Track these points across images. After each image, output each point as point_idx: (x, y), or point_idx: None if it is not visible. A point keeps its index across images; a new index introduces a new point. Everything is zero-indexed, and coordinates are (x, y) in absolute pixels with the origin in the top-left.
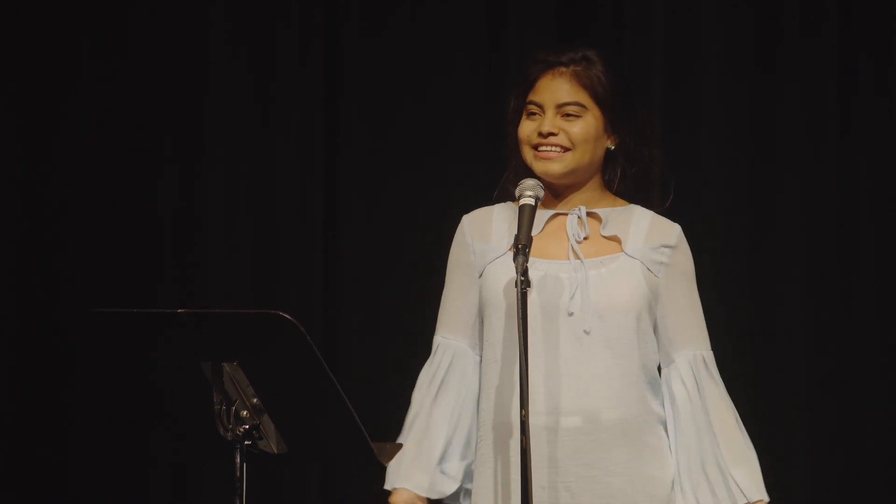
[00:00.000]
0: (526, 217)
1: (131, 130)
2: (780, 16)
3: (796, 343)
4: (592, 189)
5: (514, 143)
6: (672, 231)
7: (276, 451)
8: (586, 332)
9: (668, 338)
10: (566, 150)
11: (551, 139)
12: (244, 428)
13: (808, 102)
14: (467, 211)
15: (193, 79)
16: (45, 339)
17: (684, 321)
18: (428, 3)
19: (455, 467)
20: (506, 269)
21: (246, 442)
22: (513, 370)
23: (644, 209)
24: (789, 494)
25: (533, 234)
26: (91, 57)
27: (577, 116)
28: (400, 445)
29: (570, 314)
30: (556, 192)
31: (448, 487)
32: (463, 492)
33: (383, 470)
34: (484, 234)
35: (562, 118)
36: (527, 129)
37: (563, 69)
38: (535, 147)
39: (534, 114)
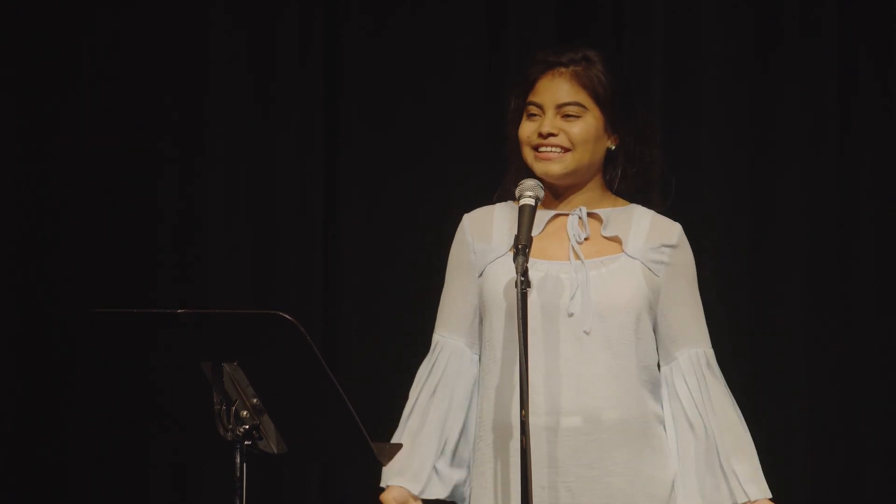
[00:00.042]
0: (526, 217)
1: (131, 130)
2: (780, 16)
3: (796, 343)
4: (593, 189)
5: (515, 144)
6: (673, 230)
7: (276, 451)
8: (586, 333)
9: (670, 336)
10: (566, 150)
11: (551, 140)
12: (244, 428)
13: (808, 102)
14: (467, 211)
15: (193, 79)
16: (46, 340)
17: (686, 320)
18: (428, 3)
19: (449, 466)
20: (506, 270)
21: (246, 442)
22: (513, 370)
23: (645, 209)
24: (789, 494)
25: (533, 234)
26: (91, 57)
27: (577, 117)
28: (400, 446)
29: (571, 315)
30: (556, 193)
31: (441, 487)
32: (459, 490)
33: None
34: (485, 233)
35: (562, 119)
36: (527, 129)
37: (563, 69)
38: (536, 148)
39: (534, 114)
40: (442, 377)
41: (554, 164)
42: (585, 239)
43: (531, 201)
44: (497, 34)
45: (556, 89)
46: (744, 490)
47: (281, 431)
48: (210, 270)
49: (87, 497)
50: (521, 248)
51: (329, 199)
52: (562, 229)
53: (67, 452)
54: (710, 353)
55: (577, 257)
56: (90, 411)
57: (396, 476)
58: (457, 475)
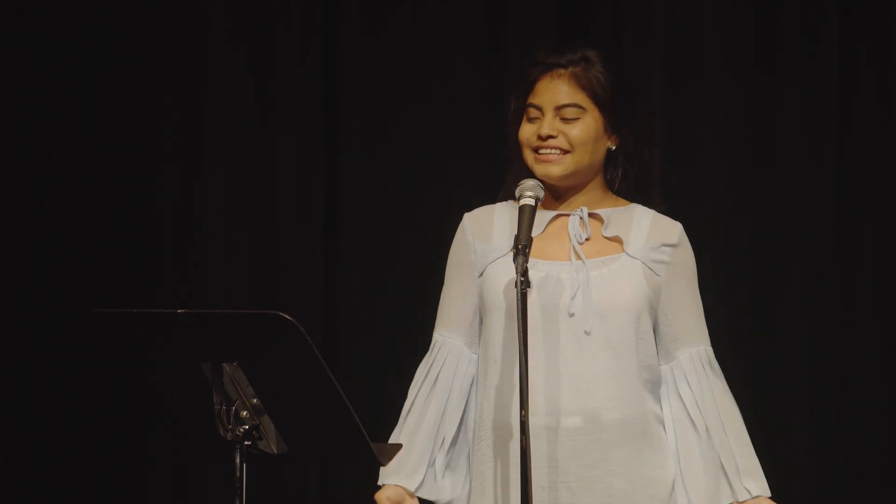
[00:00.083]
0: (526, 217)
1: (131, 130)
2: (780, 16)
3: (796, 343)
4: (594, 190)
5: (516, 145)
6: (674, 230)
7: (276, 451)
8: (587, 333)
9: (671, 336)
10: (566, 152)
11: (550, 142)
12: (244, 428)
13: (808, 102)
14: (467, 211)
15: (193, 79)
16: (46, 340)
17: (686, 319)
18: (428, 3)
19: (446, 465)
20: (507, 270)
21: (246, 442)
22: (513, 371)
23: (645, 208)
24: (789, 495)
25: (534, 234)
26: (91, 57)
27: (577, 118)
28: (399, 446)
29: (572, 315)
30: (557, 194)
31: (437, 486)
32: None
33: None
34: (485, 233)
35: (561, 120)
36: (527, 131)
37: (562, 71)
38: (536, 150)
39: (534, 116)
40: (440, 376)
41: (553, 167)
42: (587, 239)
43: (531, 201)
44: (497, 34)
45: (555, 91)
46: (745, 487)
47: (281, 431)
48: (210, 270)
49: (87, 497)
50: (521, 248)
51: (329, 199)
52: (563, 230)
53: (67, 452)
54: (710, 351)
55: (578, 257)
56: (90, 411)
57: (392, 474)
58: (452, 474)
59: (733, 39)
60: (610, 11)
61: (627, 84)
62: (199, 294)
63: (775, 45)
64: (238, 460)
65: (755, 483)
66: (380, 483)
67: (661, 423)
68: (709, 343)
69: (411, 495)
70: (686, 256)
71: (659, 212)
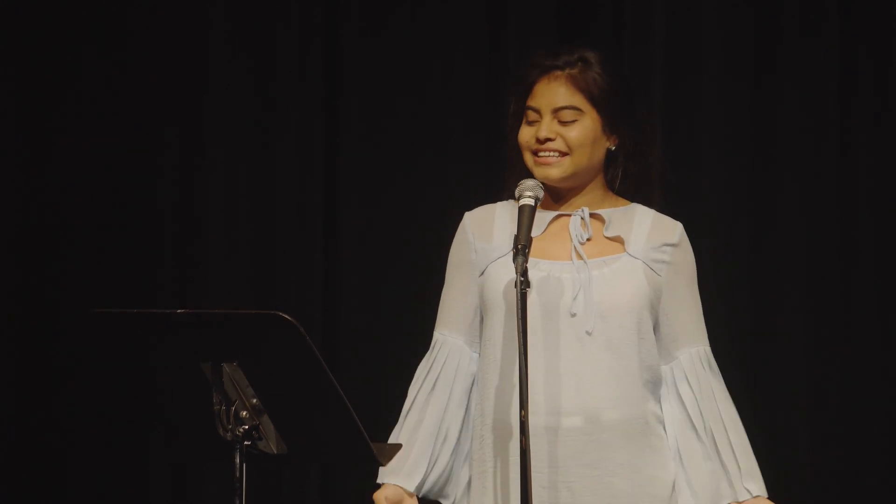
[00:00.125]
0: (525, 218)
1: (131, 130)
2: (780, 16)
3: (796, 343)
4: (595, 190)
5: (515, 146)
6: (674, 229)
7: (275, 452)
8: (588, 333)
9: (671, 336)
10: (564, 154)
11: (549, 144)
12: (244, 428)
13: (808, 102)
14: (467, 210)
15: (193, 79)
16: (46, 340)
17: (686, 319)
18: (428, 3)
19: (450, 468)
20: (507, 269)
21: (246, 442)
22: (513, 370)
23: (646, 208)
24: (790, 495)
25: (536, 234)
26: (91, 56)
27: (574, 120)
28: (399, 446)
29: (573, 315)
30: (558, 194)
31: (437, 486)
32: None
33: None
34: (486, 232)
35: (559, 123)
36: (525, 134)
37: (559, 73)
38: (535, 153)
39: (532, 119)
40: (441, 375)
41: (553, 169)
42: (588, 239)
43: (531, 201)
44: (497, 34)
45: (552, 93)
46: (745, 487)
47: (281, 431)
48: (210, 270)
49: (87, 497)
50: (521, 248)
51: (329, 199)
52: (564, 230)
53: (67, 452)
54: (709, 350)
55: (580, 257)
56: (90, 411)
57: (391, 474)
58: (453, 474)
59: (733, 39)
60: (610, 11)
61: (626, 84)
62: (199, 294)
63: (775, 45)
64: (238, 460)
65: (754, 483)
66: (379, 482)
67: (661, 423)
68: (707, 343)
69: (410, 495)
70: (686, 256)
71: (659, 211)
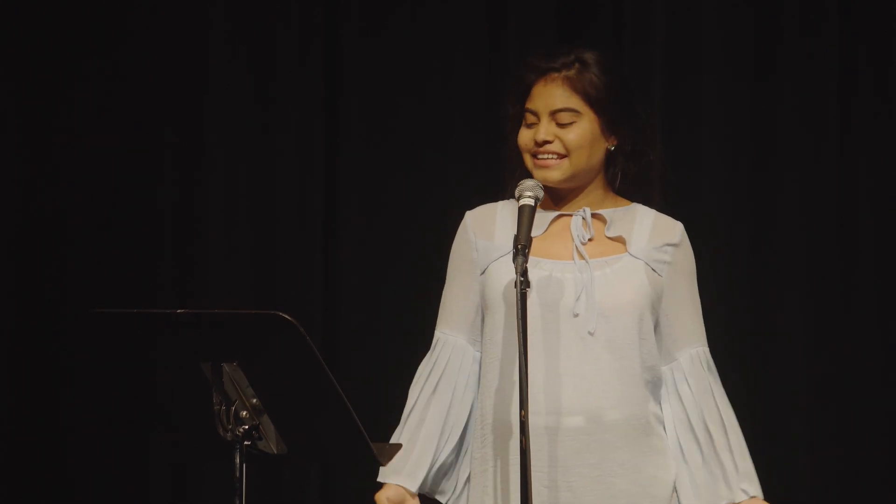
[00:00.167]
0: (525, 218)
1: (131, 130)
2: (780, 16)
3: (796, 343)
4: (595, 190)
5: (515, 147)
6: (675, 229)
7: (275, 452)
8: (590, 334)
9: (671, 336)
10: (562, 156)
11: (547, 147)
12: (244, 428)
13: (808, 102)
14: (467, 210)
15: (193, 79)
16: (46, 340)
17: (686, 319)
18: (428, 3)
19: (449, 465)
20: (509, 269)
21: (246, 442)
22: (513, 370)
23: (647, 208)
24: (790, 495)
25: (537, 234)
26: (91, 57)
27: (572, 122)
28: (399, 446)
29: (576, 315)
30: (559, 195)
31: (439, 486)
32: (458, 489)
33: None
34: (487, 231)
35: (557, 125)
36: (524, 137)
37: (556, 75)
38: (534, 155)
39: (531, 121)
40: (443, 374)
41: (552, 172)
42: (589, 239)
43: (530, 202)
44: (497, 34)
45: (549, 96)
46: (742, 489)
47: (281, 431)
48: (210, 270)
49: (87, 497)
50: (521, 248)
51: (329, 199)
52: (565, 229)
53: (67, 452)
54: (708, 351)
55: (582, 257)
56: (90, 411)
57: (393, 474)
58: (454, 473)
59: (733, 39)
60: (610, 11)
61: (625, 84)
62: (199, 294)
63: (775, 45)
64: (238, 460)
65: (751, 484)
66: (380, 481)
67: (662, 423)
68: (706, 344)
69: (413, 495)
70: (687, 256)
71: (659, 211)
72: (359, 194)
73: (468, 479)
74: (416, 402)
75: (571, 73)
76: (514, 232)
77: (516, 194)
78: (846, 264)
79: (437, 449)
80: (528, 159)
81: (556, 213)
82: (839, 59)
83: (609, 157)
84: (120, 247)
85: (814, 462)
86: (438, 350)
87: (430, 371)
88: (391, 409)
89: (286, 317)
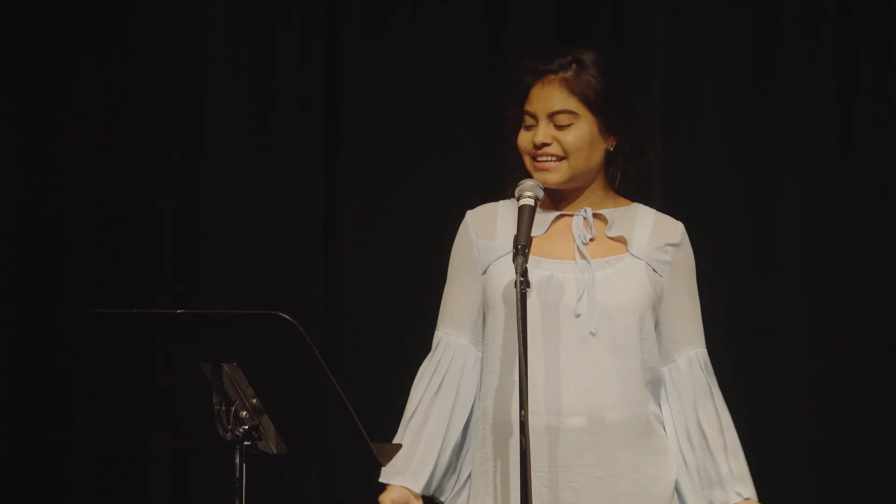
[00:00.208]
0: (525, 218)
1: (131, 130)
2: (780, 16)
3: (796, 343)
4: (596, 191)
5: (516, 148)
6: (676, 229)
7: (275, 452)
8: (592, 334)
9: (671, 337)
10: (561, 158)
11: (545, 149)
12: (244, 428)
13: (808, 102)
14: (467, 210)
15: (193, 79)
16: (46, 340)
17: (685, 321)
18: (428, 3)
19: (452, 466)
20: (510, 269)
21: (246, 442)
22: (513, 370)
23: (647, 208)
24: (790, 495)
25: (539, 234)
26: (91, 57)
27: (570, 124)
28: (399, 446)
29: (578, 315)
30: (561, 195)
31: (443, 486)
32: (460, 489)
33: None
34: (488, 230)
35: (555, 127)
36: (523, 139)
37: (553, 77)
38: (534, 157)
39: (529, 124)
40: (446, 375)
41: (551, 174)
42: (591, 239)
43: (530, 202)
44: (497, 34)
45: (547, 98)
46: (736, 491)
47: (281, 431)
48: (210, 270)
49: (87, 497)
50: (521, 248)
51: (329, 199)
52: (567, 229)
53: (67, 452)
54: (706, 353)
55: (583, 257)
56: (90, 411)
57: (397, 475)
58: (458, 474)
59: (733, 39)
60: (610, 11)
61: (622, 84)
62: (199, 294)
63: (775, 45)
64: (238, 460)
65: (745, 487)
66: (383, 481)
67: (662, 423)
68: (705, 345)
69: (417, 496)
70: (687, 256)
71: (659, 211)
72: (359, 194)
73: (468, 477)
74: (418, 404)
75: (568, 74)
76: (515, 232)
77: (516, 194)
78: (846, 264)
79: (440, 450)
80: (527, 161)
81: (558, 213)
82: (839, 59)
83: (609, 158)
84: (120, 247)
85: (814, 462)
86: (441, 351)
87: (433, 372)
88: (391, 409)
89: (286, 317)
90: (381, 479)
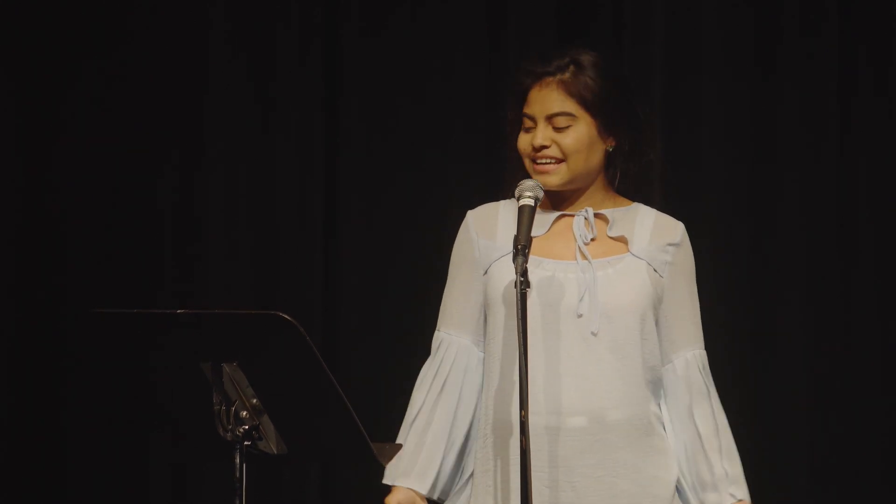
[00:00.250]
0: (525, 218)
1: (131, 130)
2: (780, 16)
3: (796, 343)
4: (597, 191)
5: (515, 149)
6: (676, 229)
7: (275, 452)
8: (594, 334)
9: (669, 338)
10: (560, 161)
11: (544, 152)
12: (244, 428)
13: (808, 102)
14: (467, 210)
15: (193, 79)
16: (46, 340)
17: (684, 322)
18: (428, 3)
19: (456, 467)
20: (510, 269)
21: (246, 442)
22: (513, 370)
23: (648, 208)
24: (790, 495)
25: (540, 234)
26: (91, 57)
27: (568, 126)
28: (400, 446)
29: (580, 316)
30: (562, 195)
31: (448, 488)
32: (462, 488)
33: (383, 469)
34: (489, 230)
35: (553, 129)
36: (523, 142)
37: (550, 79)
38: (533, 160)
39: (529, 126)
40: (449, 376)
41: (550, 177)
42: (592, 239)
43: (530, 202)
44: (497, 34)
45: (544, 100)
46: (729, 493)
47: (281, 431)
48: (210, 270)
49: (87, 497)
50: (521, 248)
51: (329, 199)
52: (568, 229)
53: (67, 452)
54: (705, 354)
55: (585, 257)
56: (90, 411)
57: (402, 476)
58: (463, 475)
59: (733, 39)
60: (610, 11)
61: (621, 84)
62: (199, 294)
63: (775, 44)
64: (238, 460)
65: (739, 489)
66: (388, 483)
67: (662, 423)
68: (703, 346)
69: (422, 498)
70: (687, 256)
71: (660, 211)
72: (359, 194)
73: (470, 476)
74: (421, 405)
75: (566, 76)
76: (515, 232)
77: (516, 194)
78: (846, 264)
79: (445, 451)
80: (527, 163)
81: (559, 213)
82: (839, 59)
83: (608, 158)
84: (120, 247)
85: (814, 462)
86: (443, 351)
87: (436, 373)
88: (391, 409)
89: (286, 317)
90: (386, 481)
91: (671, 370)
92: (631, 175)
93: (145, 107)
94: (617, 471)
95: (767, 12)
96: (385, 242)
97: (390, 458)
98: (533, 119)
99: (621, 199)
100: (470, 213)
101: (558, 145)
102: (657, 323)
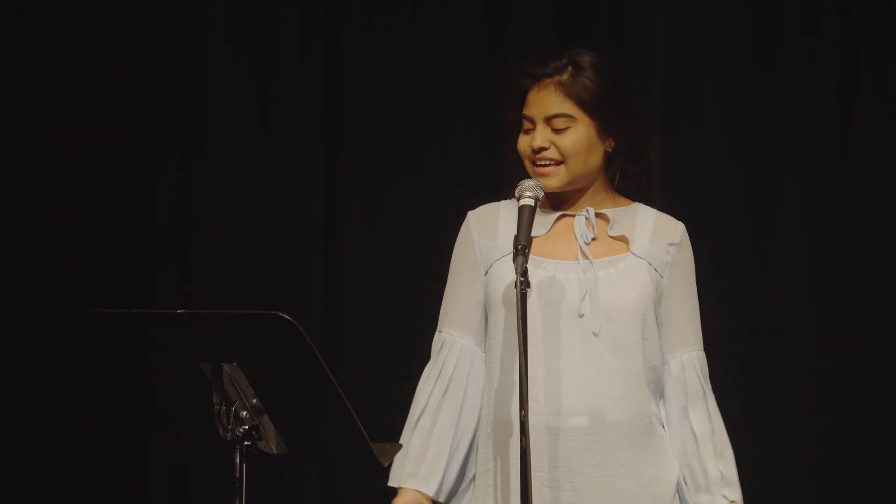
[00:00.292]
0: (525, 218)
1: (131, 130)
2: (780, 16)
3: (796, 343)
4: (597, 192)
5: (515, 151)
6: (677, 229)
7: (275, 452)
8: (595, 334)
9: (668, 339)
10: (559, 162)
11: (543, 154)
12: (244, 428)
13: (808, 102)
14: (468, 210)
15: (193, 79)
16: (45, 340)
17: (682, 323)
18: (428, 2)
19: (461, 469)
20: (511, 269)
21: (246, 442)
22: (514, 370)
23: (648, 208)
24: (790, 495)
25: (541, 234)
26: (91, 57)
27: (567, 127)
28: (400, 446)
29: (581, 316)
30: (562, 196)
31: (454, 488)
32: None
33: (383, 470)
34: (490, 230)
35: (552, 131)
36: (522, 143)
37: (548, 81)
38: (533, 162)
39: (528, 128)
40: (453, 377)
41: (550, 179)
42: (593, 239)
43: (530, 202)
44: (497, 34)
45: (543, 102)
46: (722, 494)
47: (281, 431)
48: (210, 270)
49: (87, 497)
50: (521, 248)
51: (329, 199)
52: (569, 229)
53: (67, 452)
54: (703, 356)
55: (586, 257)
56: (90, 411)
57: (409, 478)
58: (467, 475)
59: (733, 39)
60: (610, 11)
61: (620, 85)
62: (199, 294)
63: (775, 44)
64: (238, 460)
65: (733, 491)
66: (394, 485)
67: (662, 423)
68: (702, 347)
69: (428, 500)
70: (687, 256)
71: (660, 211)
72: (359, 194)
73: (473, 476)
74: (425, 406)
75: (564, 77)
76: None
77: (516, 194)
78: (846, 264)
79: (450, 453)
80: (528, 165)
81: (560, 213)
82: (839, 59)
83: (608, 159)
84: (120, 247)
85: (814, 462)
86: (446, 352)
87: (439, 374)
88: (391, 409)
89: (286, 317)
90: (392, 483)
91: (668, 371)
92: (631, 175)
93: (145, 107)
94: (617, 470)
95: (767, 12)
96: (385, 242)
97: (390, 458)
98: (532, 121)
99: (622, 198)
100: (471, 214)
101: (557, 147)
102: (657, 324)
